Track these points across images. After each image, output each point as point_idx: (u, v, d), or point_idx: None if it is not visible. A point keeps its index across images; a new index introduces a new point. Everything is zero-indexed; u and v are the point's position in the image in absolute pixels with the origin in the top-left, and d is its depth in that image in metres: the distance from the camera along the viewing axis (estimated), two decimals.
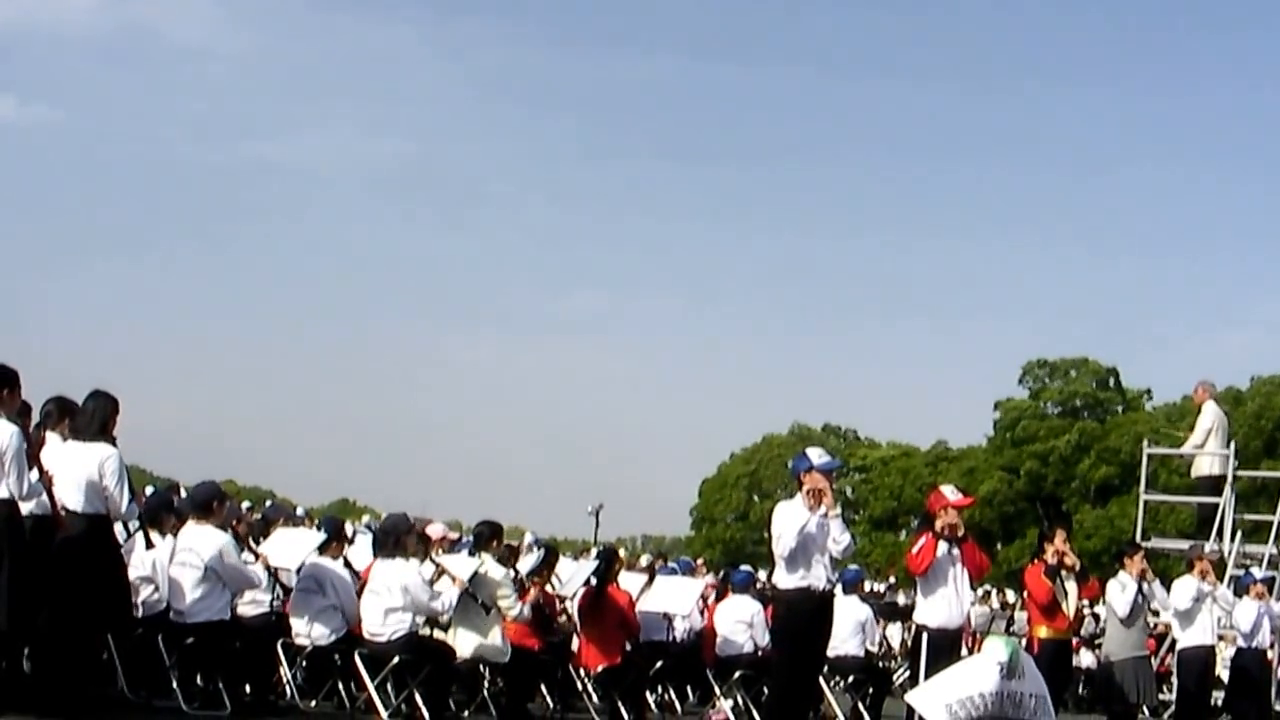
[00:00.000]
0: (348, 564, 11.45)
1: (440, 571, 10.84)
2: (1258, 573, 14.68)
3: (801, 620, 9.76)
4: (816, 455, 10.02)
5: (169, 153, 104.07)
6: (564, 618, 12.78)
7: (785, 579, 9.76)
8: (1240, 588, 14.09)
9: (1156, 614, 13.92)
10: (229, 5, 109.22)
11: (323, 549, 11.05)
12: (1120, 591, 12.09)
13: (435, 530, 13.50)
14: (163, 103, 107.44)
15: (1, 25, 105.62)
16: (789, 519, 9.65)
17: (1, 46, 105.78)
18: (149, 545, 10.01)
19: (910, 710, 9.58)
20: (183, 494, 14.08)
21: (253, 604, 10.51)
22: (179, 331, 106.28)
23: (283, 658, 10.68)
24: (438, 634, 11.16)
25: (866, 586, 19.57)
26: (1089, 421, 65.40)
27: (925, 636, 10.06)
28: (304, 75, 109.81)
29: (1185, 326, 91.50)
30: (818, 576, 9.69)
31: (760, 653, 12.96)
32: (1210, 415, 18.55)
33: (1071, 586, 11.44)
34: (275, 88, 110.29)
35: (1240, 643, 13.88)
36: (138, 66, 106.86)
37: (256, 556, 10.73)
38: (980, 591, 23.89)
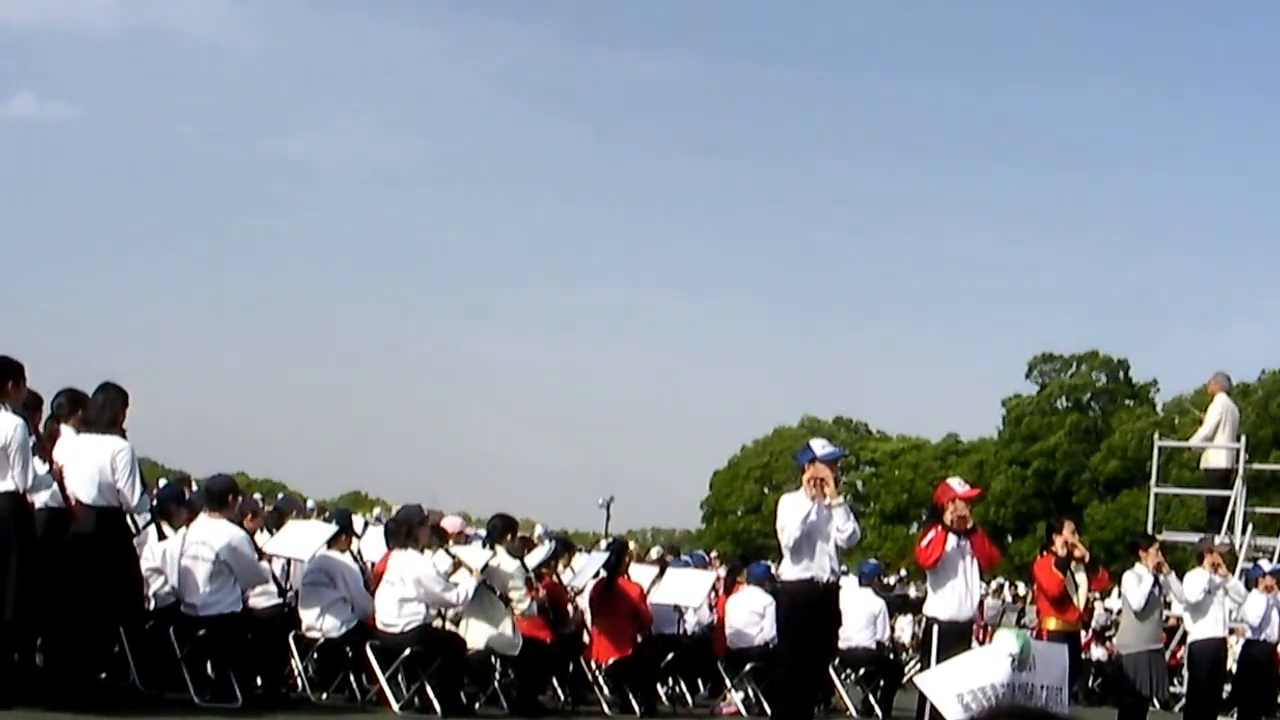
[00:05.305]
0: (358, 556, 11.49)
1: (457, 564, 10.88)
2: (1267, 565, 14.64)
3: (805, 612, 9.76)
4: (820, 446, 10.04)
5: (184, 149, 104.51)
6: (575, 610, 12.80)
7: (790, 570, 9.79)
8: (1250, 580, 14.07)
9: (1169, 606, 13.90)
10: (245, 4, 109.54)
11: (332, 542, 11.08)
12: (1136, 584, 12.05)
13: (451, 524, 13.51)
14: (179, 100, 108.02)
15: (21, 25, 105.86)
16: (793, 510, 9.67)
17: (21, 45, 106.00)
18: (161, 537, 10.06)
19: (921, 702, 9.62)
20: (194, 487, 14.15)
21: (264, 595, 10.53)
22: (192, 325, 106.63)
23: (294, 650, 10.71)
24: (449, 626, 11.20)
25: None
26: (1093, 415, 65.36)
27: (936, 629, 10.07)
28: (319, 74, 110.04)
29: (1194, 320, 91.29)
30: (822, 567, 9.70)
31: (771, 645, 12.97)
32: (1219, 408, 18.49)
33: (1081, 578, 11.45)
34: (290, 86, 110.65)
35: (1250, 635, 13.86)
36: (154, 65, 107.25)
37: (262, 555, 10.75)
38: (994, 585, 23.91)
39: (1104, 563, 14.22)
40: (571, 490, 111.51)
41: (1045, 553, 11.63)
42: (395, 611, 10.49)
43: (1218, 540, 16.00)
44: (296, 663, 10.78)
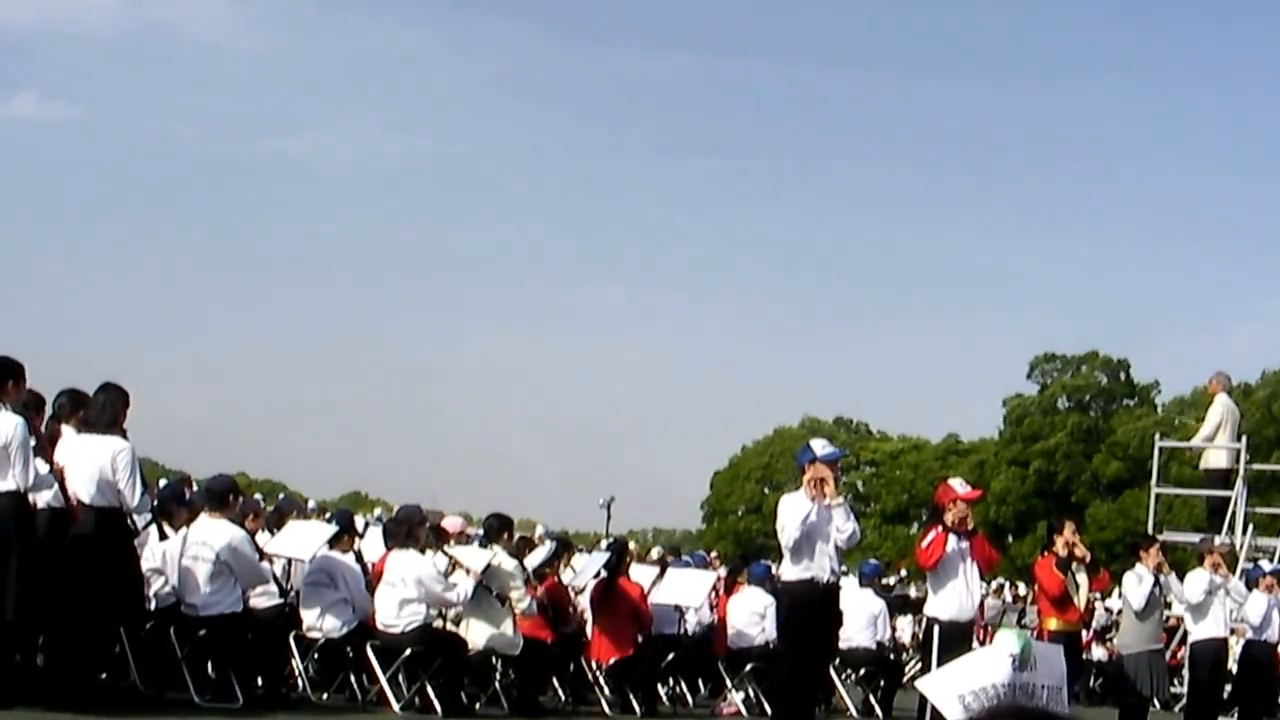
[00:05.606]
0: (359, 557, 11.49)
1: (455, 564, 10.89)
2: (1267, 565, 14.64)
3: (805, 612, 9.76)
4: (820, 446, 10.04)
5: (185, 149, 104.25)
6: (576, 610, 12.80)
7: (790, 570, 9.79)
8: (1250, 580, 14.07)
9: (1169, 606, 13.90)
10: (245, 4, 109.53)
11: (334, 542, 11.08)
12: (1136, 584, 12.05)
13: (451, 524, 13.52)
14: (180, 100, 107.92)
15: (21, 25, 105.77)
16: (793, 510, 9.68)
17: (22, 46, 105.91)
18: (161, 538, 10.06)
19: (922, 702, 9.61)
20: (194, 487, 14.15)
21: (265, 596, 10.54)
22: (193, 325, 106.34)
23: (295, 650, 10.71)
24: (449, 626, 11.20)
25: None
26: (1095, 416, 65.40)
27: (937, 629, 10.07)
28: (320, 74, 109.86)
29: (1195, 320, 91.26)
30: (822, 567, 9.70)
31: (771, 645, 12.97)
32: (1220, 408, 18.49)
33: (1082, 579, 11.46)
34: (291, 86, 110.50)
35: (1250, 635, 13.86)
36: (154, 65, 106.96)
37: (262, 555, 10.76)
38: (994, 585, 23.90)
39: (1105, 563, 14.20)
40: (571, 490, 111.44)
41: (1046, 553, 11.63)
42: (395, 612, 10.49)
43: (1218, 540, 15.99)
44: (297, 663, 10.78)
